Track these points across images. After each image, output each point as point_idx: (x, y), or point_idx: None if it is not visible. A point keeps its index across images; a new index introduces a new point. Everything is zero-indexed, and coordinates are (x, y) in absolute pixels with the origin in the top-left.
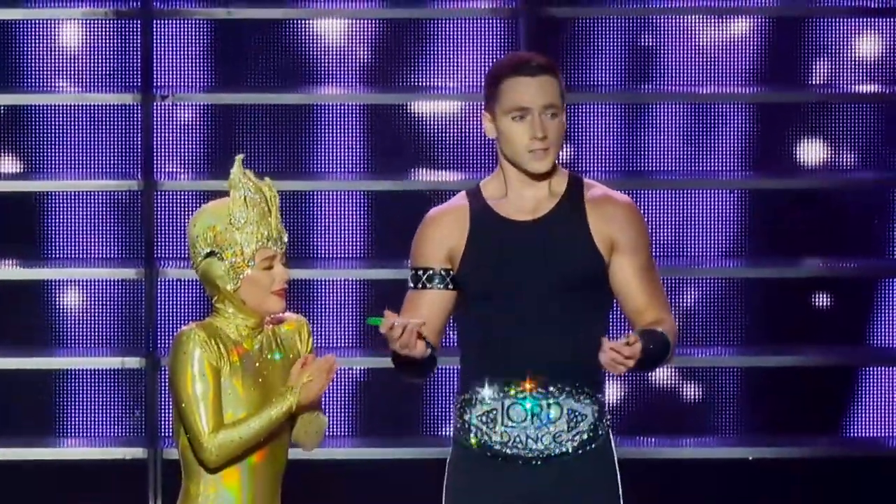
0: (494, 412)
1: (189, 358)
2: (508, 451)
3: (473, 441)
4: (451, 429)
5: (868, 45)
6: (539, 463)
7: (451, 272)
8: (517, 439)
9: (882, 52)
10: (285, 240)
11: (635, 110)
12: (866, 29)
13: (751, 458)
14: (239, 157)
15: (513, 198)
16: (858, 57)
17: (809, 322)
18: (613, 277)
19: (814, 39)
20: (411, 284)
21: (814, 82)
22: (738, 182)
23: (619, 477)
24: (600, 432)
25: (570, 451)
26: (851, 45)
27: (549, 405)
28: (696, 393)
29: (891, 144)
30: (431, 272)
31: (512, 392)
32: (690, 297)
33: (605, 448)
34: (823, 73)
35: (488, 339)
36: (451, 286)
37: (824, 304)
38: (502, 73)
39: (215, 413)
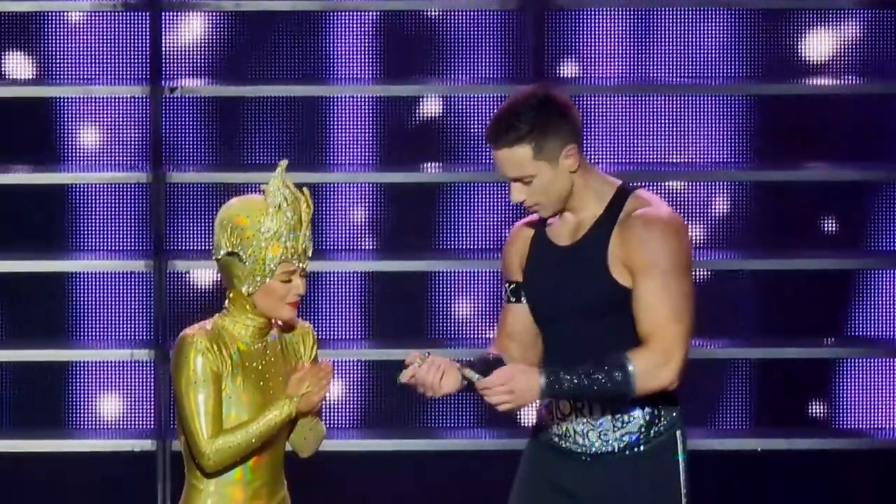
0: (552, 403)
1: (190, 364)
2: (563, 444)
3: (541, 431)
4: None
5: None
6: (588, 459)
7: None
8: (568, 433)
9: (873, 45)
10: (310, 254)
11: (644, 100)
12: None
13: (759, 449)
14: (282, 163)
15: (560, 220)
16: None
17: (793, 315)
18: (632, 299)
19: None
20: (503, 297)
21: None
22: (721, 173)
23: (680, 487)
24: (653, 434)
25: (616, 450)
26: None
27: (591, 402)
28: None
29: (874, 138)
30: (516, 286)
31: None
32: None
33: (661, 451)
34: (810, 65)
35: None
36: None
37: (809, 296)
38: None
39: (215, 419)
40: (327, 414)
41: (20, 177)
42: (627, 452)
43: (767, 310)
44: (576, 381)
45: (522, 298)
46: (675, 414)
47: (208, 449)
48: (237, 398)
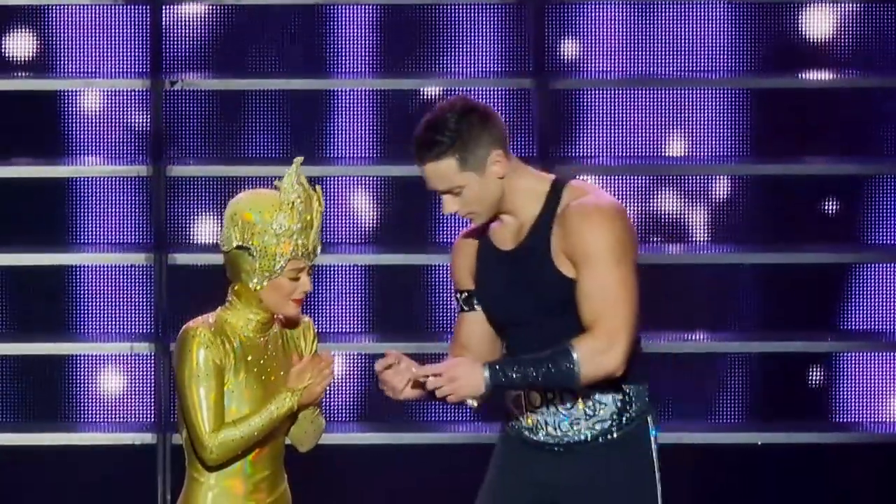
0: (520, 397)
1: (193, 357)
2: (534, 436)
3: (510, 426)
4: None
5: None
6: (560, 449)
7: None
8: (539, 425)
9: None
10: (318, 252)
11: (642, 92)
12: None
13: (759, 442)
14: (298, 160)
15: (501, 224)
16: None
17: (792, 309)
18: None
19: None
20: (455, 307)
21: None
22: (720, 168)
23: (654, 467)
24: (625, 421)
25: (588, 438)
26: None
27: (562, 392)
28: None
29: (868, 133)
30: (467, 294)
31: None
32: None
33: (633, 437)
34: (808, 57)
35: (508, 355)
36: None
37: (807, 290)
38: None
39: (217, 413)
40: (327, 407)
41: (20, 170)
42: (601, 440)
43: (766, 304)
44: (521, 368)
45: (476, 306)
46: (645, 398)
47: (210, 442)
48: (239, 392)
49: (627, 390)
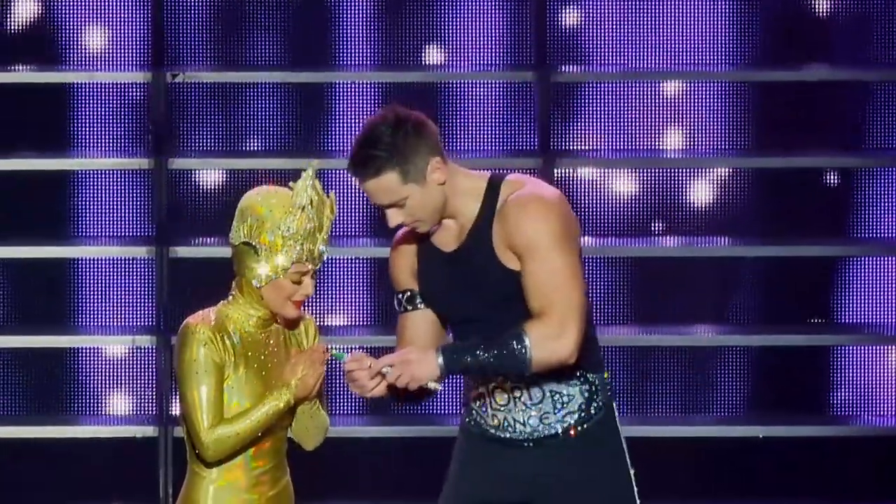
0: (483, 396)
1: (192, 354)
2: (501, 434)
3: (472, 424)
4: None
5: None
6: (531, 445)
7: None
8: (506, 422)
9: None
10: (324, 259)
11: (645, 87)
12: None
13: (762, 436)
14: (313, 165)
15: (442, 228)
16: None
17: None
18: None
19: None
20: (397, 308)
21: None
22: (720, 161)
23: (625, 453)
24: (593, 412)
25: (559, 432)
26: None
27: (529, 387)
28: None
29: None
30: (410, 293)
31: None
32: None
33: (602, 427)
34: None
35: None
36: None
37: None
38: None
39: (215, 410)
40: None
41: (22, 162)
42: (571, 433)
43: (764, 297)
44: (473, 351)
45: (419, 305)
46: (607, 386)
47: (207, 439)
48: (239, 387)
49: (593, 380)
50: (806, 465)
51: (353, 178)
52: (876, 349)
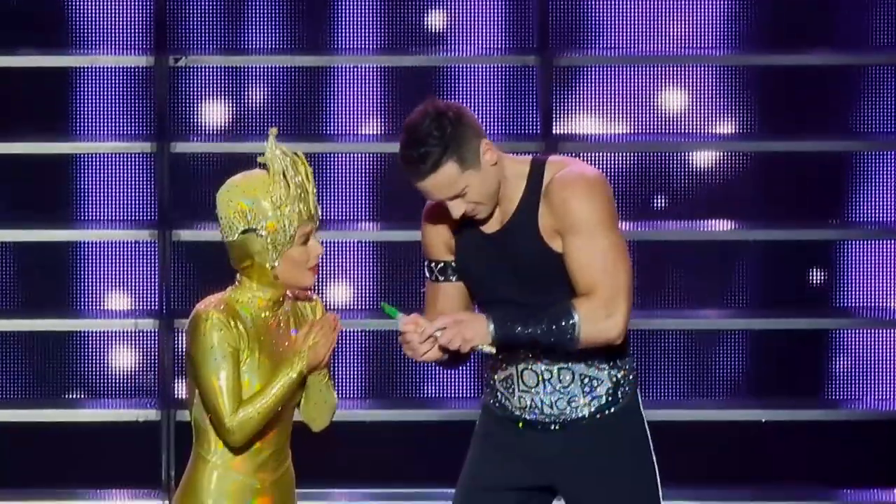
0: (511, 377)
1: (207, 341)
2: (527, 416)
3: (497, 406)
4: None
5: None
6: (557, 428)
7: None
8: (533, 404)
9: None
10: (320, 214)
11: (647, 71)
12: None
13: (764, 420)
14: (273, 131)
15: None
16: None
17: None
18: (565, 261)
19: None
20: (427, 275)
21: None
22: (722, 144)
23: (648, 441)
24: (620, 396)
25: (586, 416)
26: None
27: (559, 370)
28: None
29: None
30: (443, 265)
31: (523, 357)
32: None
33: (628, 412)
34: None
35: None
36: None
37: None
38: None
39: (235, 394)
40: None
41: (26, 146)
42: (598, 416)
43: (762, 279)
44: (522, 322)
45: (452, 277)
46: (634, 371)
47: (232, 423)
48: (253, 372)
49: (622, 365)
50: (806, 448)
51: (410, 180)
52: (876, 332)
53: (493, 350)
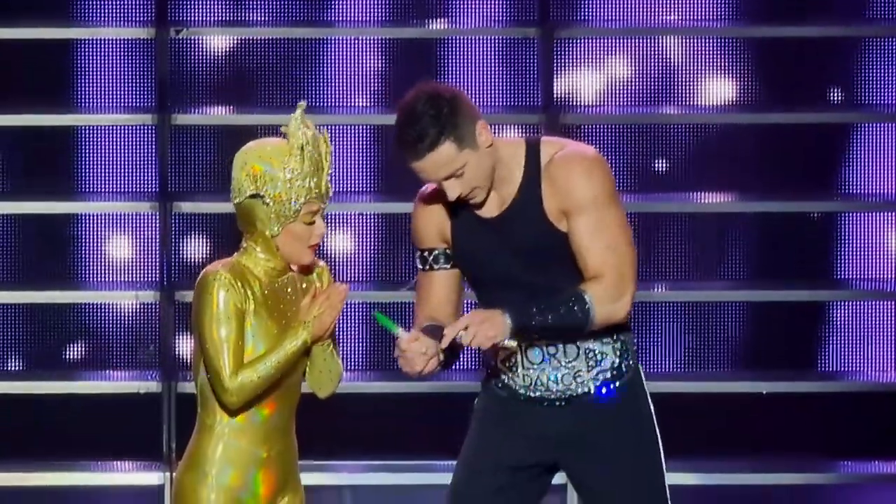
0: (515, 356)
1: (214, 300)
2: (532, 393)
3: (499, 385)
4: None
5: None
6: (563, 404)
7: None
8: (538, 381)
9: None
10: (331, 195)
11: (648, 43)
12: None
13: (764, 392)
14: (301, 105)
15: None
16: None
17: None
18: (570, 240)
19: None
20: (419, 266)
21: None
22: (722, 116)
23: (652, 414)
24: (624, 370)
25: (591, 390)
26: None
27: (564, 346)
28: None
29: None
30: (437, 252)
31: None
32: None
33: (631, 386)
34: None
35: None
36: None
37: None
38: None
39: (237, 356)
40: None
41: (26, 118)
42: (604, 391)
43: (759, 252)
44: (537, 312)
45: (445, 265)
46: (634, 343)
47: (232, 385)
48: (258, 335)
49: (625, 339)
50: (804, 420)
51: (408, 161)
52: (874, 304)
53: (515, 344)
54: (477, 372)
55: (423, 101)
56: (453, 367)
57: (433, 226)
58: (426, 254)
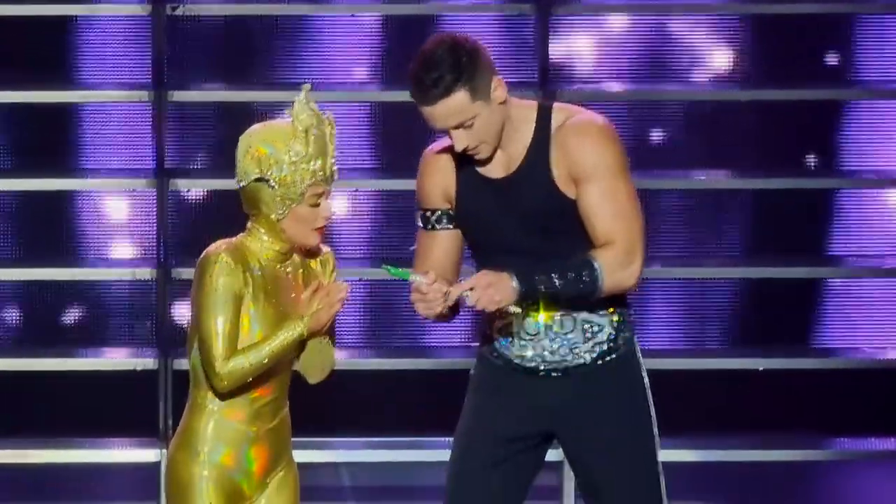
0: (511, 326)
1: (212, 283)
2: (527, 364)
3: (495, 355)
4: (477, 341)
5: None
6: (558, 374)
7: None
8: (535, 352)
9: None
10: (336, 177)
11: (645, 21)
12: None
13: (761, 368)
14: (306, 87)
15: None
16: None
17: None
18: (578, 207)
19: None
20: (420, 225)
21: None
22: (719, 93)
23: (646, 387)
24: (620, 342)
25: (588, 361)
26: None
27: (562, 318)
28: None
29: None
30: (440, 213)
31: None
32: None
33: (627, 358)
34: None
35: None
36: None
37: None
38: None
39: (231, 341)
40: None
41: (23, 95)
42: (600, 362)
43: (754, 230)
44: (545, 276)
45: (448, 226)
46: (632, 314)
47: (223, 370)
48: (257, 319)
49: (621, 311)
50: (800, 397)
51: (419, 105)
52: (871, 282)
53: (519, 310)
54: (475, 350)
55: (443, 48)
56: (452, 344)
57: (438, 185)
58: (429, 213)
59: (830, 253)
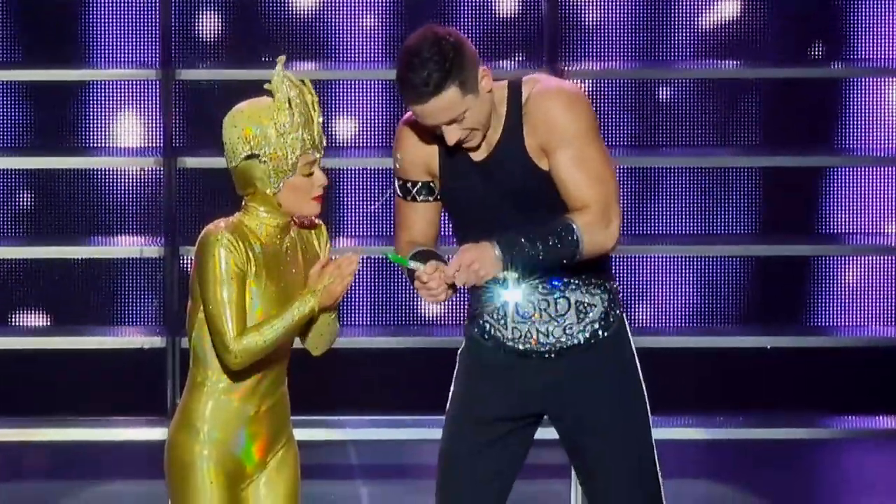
0: (502, 309)
1: (216, 261)
2: (521, 346)
3: (486, 336)
4: (465, 321)
5: None
6: (552, 356)
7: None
8: (528, 334)
9: None
10: (325, 143)
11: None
12: None
13: (769, 346)
14: (281, 59)
15: None
16: None
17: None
18: (552, 174)
19: None
20: (400, 194)
21: None
22: (727, 72)
23: (636, 361)
24: (612, 320)
25: (581, 342)
26: None
27: (556, 299)
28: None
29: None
30: (420, 185)
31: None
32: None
33: (618, 335)
34: None
35: None
36: (439, 196)
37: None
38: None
39: (240, 317)
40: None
41: (31, 73)
42: (593, 341)
43: (754, 208)
44: (526, 243)
45: (429, 198)
46: (619, 292)
47: (236, 347)
48: (258, 296)
49: (610, 287)
50: (803, 375)
51: (409, 104)
52: (872, 259)
53: (516, 275)
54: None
55: (428, 44)
56: (451, 321)
57: (420, 158)
58: (409, 185)
59: (830, 231)
